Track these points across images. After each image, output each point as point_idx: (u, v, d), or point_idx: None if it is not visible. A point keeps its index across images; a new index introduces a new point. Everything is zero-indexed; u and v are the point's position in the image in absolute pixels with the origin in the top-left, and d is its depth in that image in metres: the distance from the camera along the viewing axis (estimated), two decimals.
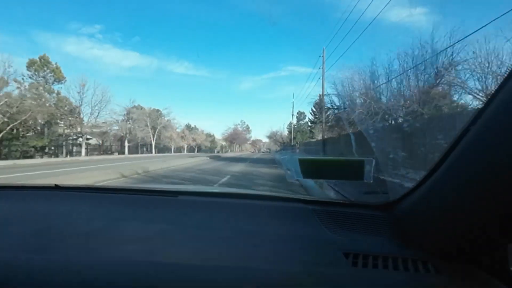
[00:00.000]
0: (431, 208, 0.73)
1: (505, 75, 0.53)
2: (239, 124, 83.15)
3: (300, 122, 59.04)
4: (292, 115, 55.07)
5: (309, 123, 54.27)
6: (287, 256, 0.76)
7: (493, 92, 0.55)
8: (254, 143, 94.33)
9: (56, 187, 1.38)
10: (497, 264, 0.69)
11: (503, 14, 6.38)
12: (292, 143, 50.46)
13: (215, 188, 1.76)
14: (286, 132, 66.88)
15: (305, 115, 58.29)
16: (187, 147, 63.74)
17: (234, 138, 75.31)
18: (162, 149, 55.19)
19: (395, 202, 0.91)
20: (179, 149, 61.22)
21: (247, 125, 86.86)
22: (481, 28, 7.46)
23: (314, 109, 52.80)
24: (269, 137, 76.78)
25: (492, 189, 0.56)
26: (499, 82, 0.54)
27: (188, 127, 71.21)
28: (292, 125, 56.36)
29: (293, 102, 59.67)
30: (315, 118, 52.40)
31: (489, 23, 7.09)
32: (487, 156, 0.56)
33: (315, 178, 1.15)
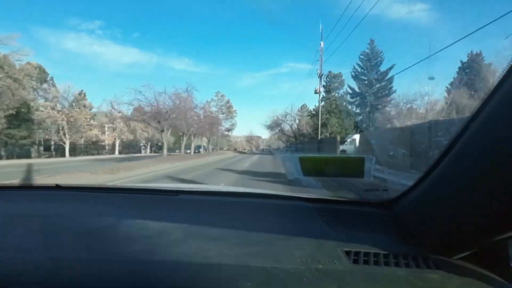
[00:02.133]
0: (431, 205, 0.73)
1: (503, 73, 0.53)
2: (214, 99, 45.05)
3: (333, 94, 31.96)
4: (320, 77, 24.18)
5: (349, 98, 30.08)
6: (288, 253, 0.76)
7: (492, 89, 0.55)
8: (251, 139, 78.95)
9: (57, 187, 1.38)
10: (497, 260, 0.69)
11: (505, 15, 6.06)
12: (319, 136, 24.98)
13: (216, 186, 1.76)
14: (296, 122, 38.85)
15: (342, 80, 32.05)
16: (119, 142, 36.49)
17: (155, 118, 22.15)
18: (24, 151, 27.00)
19: (396, 200, 0.91)
20: (102, 147, 35.72)
21: (228, 102, 48.91)
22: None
23: (359, 67, 28.34)
24: (270, 127, 44.65)
25: (491, 186, 0.56)
26: (497, 80, 0.55)
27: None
28: (319, 99, 25.62)
29: (321, 50, 23.31)
30: (366, 85, 27.52)
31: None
32: (486, 153, 0.57)
33: (316, 176, 1.16)
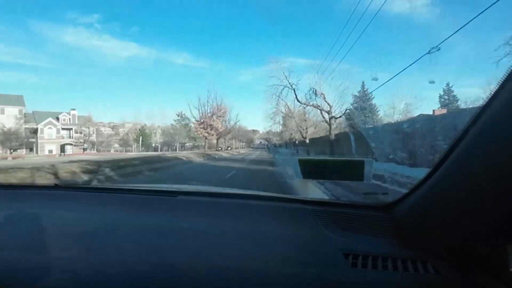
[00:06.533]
0: (431, 209, 0.73)
1: (503, 78, 0.53)
2: None
3: None
4: None
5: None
6: (286, 256, 0.76)
7: (492, 93, 0.55)
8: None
9: (56, 187, 1.38)
10: (496, 264, 0.69)
11: None
12: None
13: (214, 188, 1.77)
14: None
15: None
16: None
17: None
18: None
19: (395, 203, 0.91)
20: None
21: None
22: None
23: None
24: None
25: (491, 190, 0.56)
26: (498, 84, 0.55)
27: None
28: None
29: None
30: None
31: None
32: (486, 157, 0.56)
33: (315, 178, 1.16)
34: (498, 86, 0.54)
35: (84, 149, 42.86)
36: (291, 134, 38.89)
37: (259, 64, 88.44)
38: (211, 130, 34.95)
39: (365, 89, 29.79)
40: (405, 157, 9.93)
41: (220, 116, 36.51)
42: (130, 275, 0.67)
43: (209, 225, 0.96)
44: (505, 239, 0.62)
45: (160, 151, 44.37)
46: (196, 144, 51.76)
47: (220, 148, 43.51)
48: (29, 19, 60.75)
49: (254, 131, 76.91)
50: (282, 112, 30.07)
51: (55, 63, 70.13)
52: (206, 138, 35.83)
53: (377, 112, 31.00)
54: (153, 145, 50.57)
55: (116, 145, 49.32)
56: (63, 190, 1.38)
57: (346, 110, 19.70)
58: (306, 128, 29.39)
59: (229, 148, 51.67)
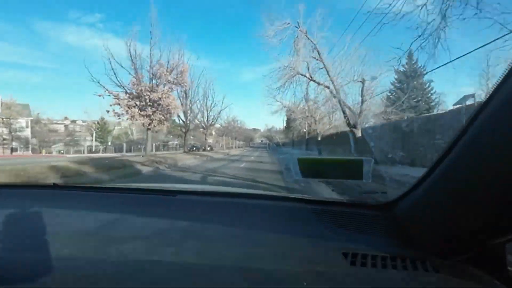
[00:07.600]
0: (430, 207, 0.74)
1: (503, 75, 0.53)
2: None
3: None
4: None
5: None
6: (285, 255, 0.76)
7: (491, 92, 0.55)
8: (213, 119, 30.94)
9: (55, 186, 1.38)
10: (496, 263, 0.69)
11: None
12: None
13: (214, 187, 1.78)
14: None
15: None
16: None
17: None
18: None
19: (394, 202, 0.91)
20: None
21: None
22: None
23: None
24: None
25: (489, 188, 0.56)
26: (497, 82, 0.55)
27: None
28: None
29: None
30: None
31: None
32: (485, 155, 0.57)
33: (314, 178, 1.16)
34: (497, 84, 0.54)
35: (13, 149, 30.49)
36: (310, 124, 24.91)
37: (261, 64, 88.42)
38: (155, 111, 16.12)
39: (413, 62, 21.13)
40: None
41: (174, 83, 17.04)
42: (129, 274, 0.67)
43: (209, 224, 0.96)
44: (504, 238, 0.63)
45: (127, 151, 32.66)
46: (190, 143, 36.24)
47: (193, 149, 29.77)
48: (31, 19, 60.81)
49: (255, 129, 74.93)
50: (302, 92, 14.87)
51: (56, 63, 69.94)
52: (148, 129, 16.90)
53: (431, 93, 22.03)
54: (109, 143, 37.99)
55: (60, 144, 38.70)
56: (61, 189, 1.38)
57: None
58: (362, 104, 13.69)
59: (210, 148, 35.64)
